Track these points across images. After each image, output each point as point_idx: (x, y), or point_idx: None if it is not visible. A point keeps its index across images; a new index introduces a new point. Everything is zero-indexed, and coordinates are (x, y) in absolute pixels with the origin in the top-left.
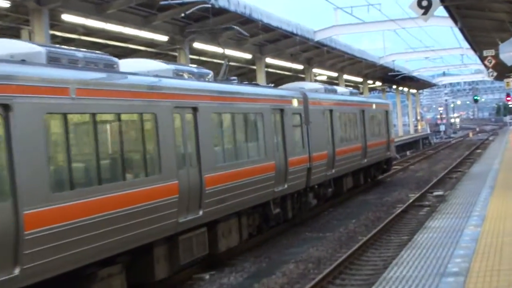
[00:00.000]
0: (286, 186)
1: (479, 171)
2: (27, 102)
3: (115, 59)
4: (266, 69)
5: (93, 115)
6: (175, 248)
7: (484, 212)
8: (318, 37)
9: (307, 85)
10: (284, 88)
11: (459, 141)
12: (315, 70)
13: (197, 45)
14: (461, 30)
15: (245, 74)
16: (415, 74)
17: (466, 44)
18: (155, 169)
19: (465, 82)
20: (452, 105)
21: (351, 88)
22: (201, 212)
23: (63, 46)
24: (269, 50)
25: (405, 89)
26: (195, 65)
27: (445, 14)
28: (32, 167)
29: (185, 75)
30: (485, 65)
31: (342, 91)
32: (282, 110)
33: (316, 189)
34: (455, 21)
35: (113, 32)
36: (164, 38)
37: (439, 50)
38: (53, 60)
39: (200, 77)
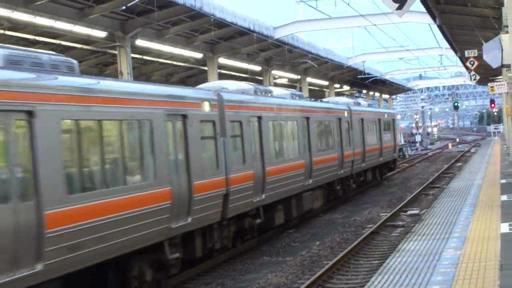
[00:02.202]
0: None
1: (459, 187)
2: None
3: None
4: (219, 70)
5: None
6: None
7: (465, 233)
8: (278, 35)
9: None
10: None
11: (437, 153)
12: (274, 72)
13: (140, 42)
14: (440, 27)
15: (195, 75)
16: (387, 77)
17: (445, 44)
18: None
19: (444, 87)
20: (429, 113)
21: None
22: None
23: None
24: (223, 49)
25: (377, 94)
26: None
27: (423, 9)
28: None
29: None
30: (467, 67)
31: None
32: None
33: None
34: (434, 17)
35: (43, 26)
36: (102, 34)
37: (415, 50)
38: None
39: None
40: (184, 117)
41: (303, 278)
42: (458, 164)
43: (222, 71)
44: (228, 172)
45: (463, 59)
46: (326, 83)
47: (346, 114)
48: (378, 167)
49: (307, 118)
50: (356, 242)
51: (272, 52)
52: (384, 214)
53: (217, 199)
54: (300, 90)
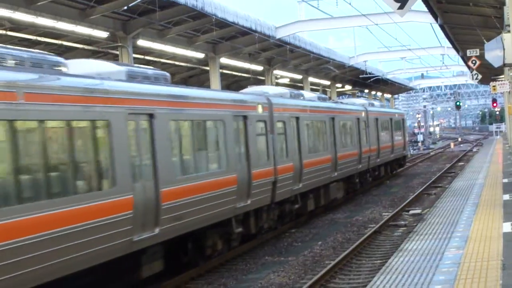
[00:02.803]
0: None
1: (461, 186)
2: None
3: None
4: (220, 70)
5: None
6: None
7: (467, 233)
8: (280, 34)
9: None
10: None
11: (439, 152)
12: (276, 72)
13: (142, 42)
14: (442, 27)
15: (196, 75)
16: (389, 76)
17: (447, 43)
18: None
19: (446, 86)
20: (431, 112)
21: (374, 100)
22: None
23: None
24: (224, 48)
25: (379, 93)
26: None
27: (424, 8)
28: None
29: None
30: (469, 67)
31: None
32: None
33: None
34: (435, 17)
35: (45, 27)
36: (103, 34)
37: (417, 49)
38: None
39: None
40: (245, 117)
41: (305, 278)
42: (460, 163)
43: (224, 71)
44: (276, 163)
45: (465, 59)
46: (328, 82)
47: (363, 114)
48: (390, 163)
49: (333, 118)
50: (358, 242)
51: (274, 52)
52: (386, 213)
53: (268, 186)
54: (325, 93)
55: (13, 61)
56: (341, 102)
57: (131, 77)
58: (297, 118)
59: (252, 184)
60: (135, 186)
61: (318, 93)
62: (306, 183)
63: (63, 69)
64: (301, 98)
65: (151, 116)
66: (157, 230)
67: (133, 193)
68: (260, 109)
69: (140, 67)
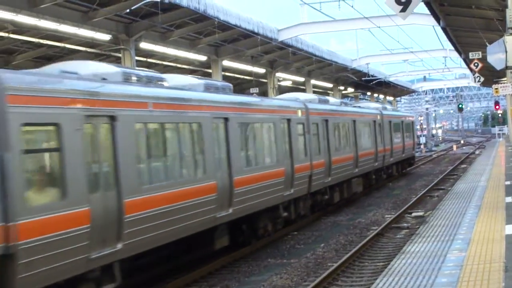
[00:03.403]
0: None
1: (464, 189)
2: None
3: None
4: (223, 72)
5: None
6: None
7: (470, 235)
8: (282, 37)
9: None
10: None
11: (441, 154)
12: (278, 75)
13: (144, 45)
14: (444, 29)
15: None
16: (392, 79)
17: (449, 46)
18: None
19: (448, 89)
20: (433, 114)
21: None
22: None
23: None
24: (227, 51)
25: (381, 96)
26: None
27: (427, 11)
28: None
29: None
30: (471, 69)
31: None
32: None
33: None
34: (438, 19)
35: (47, 29)
36: (106, 37)
37: (419, 52)
38: None
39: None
40: (289, 120)
41: (308, 280)
42: (463, 165)
43: (226, 74)
44: (312, 159)
45: (467, 61)
46: (330, 85)
47: (378, 117)
48: (401, 162)
49: (354, 121)
50: (361, 244)
51: (276, 55)
52: (389, 216)
53: (306, 178)
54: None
55: (135, 78)
56: (359, 106)
57: (207, 88)
58: (327, 121)
59: (295, 176)
60: (217, 175)
61: (340, 99)
62: (334, 177)
63: (165, 83)
64: (328, 103)
65: (226, 119)
66: (230, 210)
67: (216, 181)
68: (299, 113)
69: (212, 80)
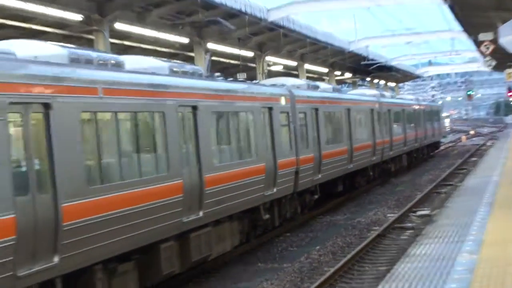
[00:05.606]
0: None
1: (475, 184)
2: None
3: None
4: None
5: None
6: None
7: (481, 236)
8: (273, 17)
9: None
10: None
11: (449, 146)
12: (268, 59)
13: (120, 26)
14: (451, 8)
15: None
16: (394, 63)
17: (457, 26)
18: None
19: (456, 74)
20: (440, 102)
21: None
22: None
23: None
24: (211, 33)
25: (382, 81)
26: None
27: None
28: None
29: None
30: (481, 52)
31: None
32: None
33: None
34: None
35: (12, 9)
36: (77, 17)
37: (424, 33)
38: None
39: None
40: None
41: (301, 286)
42: (473, 159)
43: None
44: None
45: (477, 43)
46: (325, 70)
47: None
48: (429, 145)
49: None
50: (360, 246)
51: (266, 37)
52: (392, 215)
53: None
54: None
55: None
56: (401, 98)
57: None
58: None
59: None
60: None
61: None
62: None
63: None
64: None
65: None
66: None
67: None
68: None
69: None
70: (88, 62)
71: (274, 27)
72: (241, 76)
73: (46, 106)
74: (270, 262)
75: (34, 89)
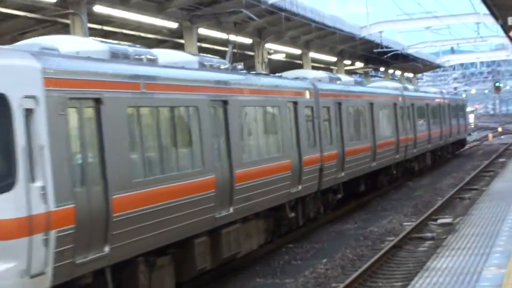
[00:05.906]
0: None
1: (502, 189)
2: None
3: None
4: (198, 43)
5: None
6: None
7: (510, 247)
8: None
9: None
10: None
11: (474, 145)
12: (268, 46)
13: (99, 9)
14: None
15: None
16: (411, 51)
17: (483, 9)
18: None
19: (482, 63)
20: (464, 95)
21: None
22: (300, 187)
23: None
24: (203, 17)
25: (398, 72)
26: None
27: None
28: None
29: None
30: (511, 38)
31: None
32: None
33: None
34: None
35: None
36: None
37: (445, 17)
38: None
39: None
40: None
41: None
42: (501, 159)
43: (203, 45)
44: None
45: (506, 28)
46: (334, 59)
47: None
48: (456, 142)
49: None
50: (373, 259)
51: (265, 21)
52: (409, 223)
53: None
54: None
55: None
56: (425, 92)
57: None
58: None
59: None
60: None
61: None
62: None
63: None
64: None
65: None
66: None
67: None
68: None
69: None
70: (126, 57)
71: (275, 10)
72: (239, 66)
73: (97, 101)
74: (271, 276)
75: (88, 84)
